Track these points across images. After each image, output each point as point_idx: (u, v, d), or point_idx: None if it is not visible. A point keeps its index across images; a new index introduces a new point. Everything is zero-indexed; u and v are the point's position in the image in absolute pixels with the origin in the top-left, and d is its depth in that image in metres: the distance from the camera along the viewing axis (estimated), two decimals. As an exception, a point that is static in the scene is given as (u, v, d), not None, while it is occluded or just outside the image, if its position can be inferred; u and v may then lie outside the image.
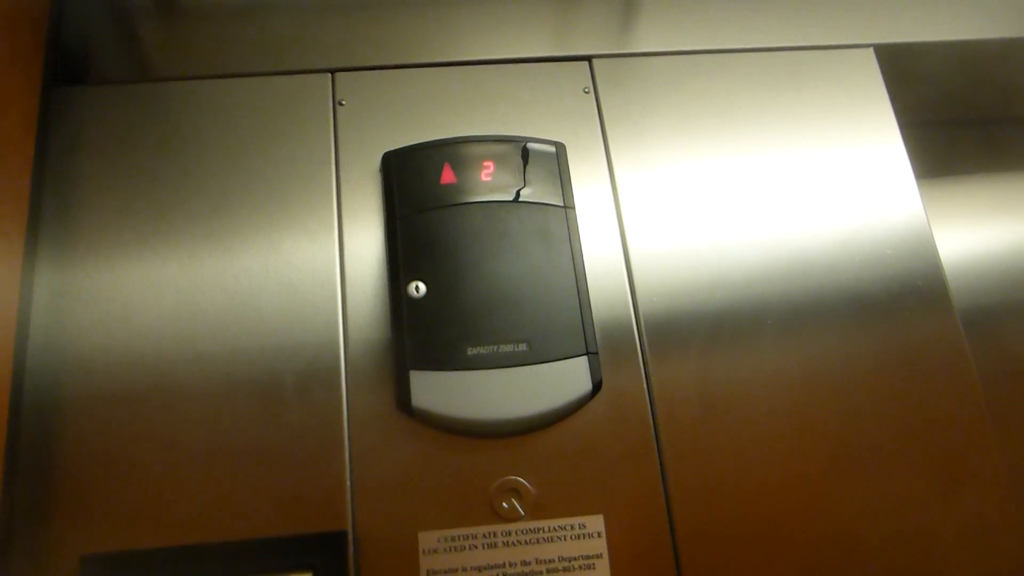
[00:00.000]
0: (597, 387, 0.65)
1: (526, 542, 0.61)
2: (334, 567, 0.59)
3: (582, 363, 0.65)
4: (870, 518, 0.65)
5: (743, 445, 0.66)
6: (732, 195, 0.75)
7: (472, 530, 0.61)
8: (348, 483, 0.62)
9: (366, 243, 0.70)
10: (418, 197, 0.69)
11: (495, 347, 0.64)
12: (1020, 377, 0.76)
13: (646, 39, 0.83)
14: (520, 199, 0.70)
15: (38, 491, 0.60)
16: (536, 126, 0.76)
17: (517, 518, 0.62)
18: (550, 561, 0.61)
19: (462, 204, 0.69)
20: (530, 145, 0.73)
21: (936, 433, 0.68)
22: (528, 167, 0.72)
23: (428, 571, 0.60)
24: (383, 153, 0.73)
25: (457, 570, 0.60)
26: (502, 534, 0.61)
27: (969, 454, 0.67)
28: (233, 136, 0.74)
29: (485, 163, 0.71)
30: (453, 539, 0.61)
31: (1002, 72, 0.92)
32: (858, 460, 0.66)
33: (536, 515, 0.62)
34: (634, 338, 0.68)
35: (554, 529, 0.62)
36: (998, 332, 0.78)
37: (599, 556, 0.61)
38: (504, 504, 0.62)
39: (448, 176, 0.70)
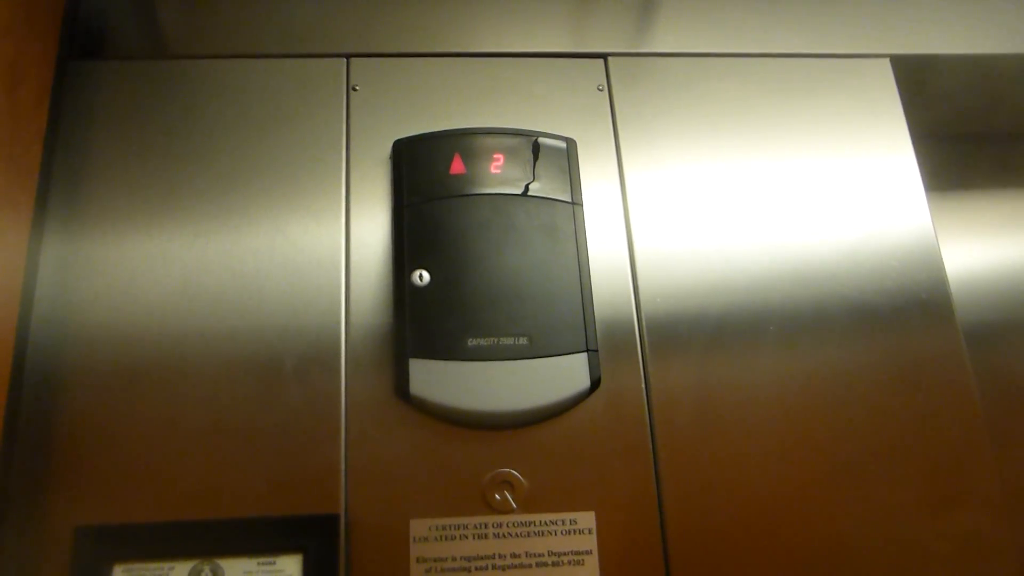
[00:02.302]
0: (596, 384, 0.65)
1: (517, 535, 0.61)
2: (325, 550, 0.59)
3: (582, 360, 0.65)
4: (863, 528, 0.65)
5: (738, 449, 0.66)
6: (740, 199, 0.75)
7: (463, 520, 0.62)
8: (343, 467, 0.62)
9: (372, 229, 0.70)
10: (427, 186, 0.69)
11: (496, 339, 0.64)
12: (1020, 395, 0.76)
13: (662, 39, 0.82)
14: (528, 193, 0.70)
15: (36, 462, 0.61)
16: (548, 121, 0.76)
17: (509, 511, 0.62)
18: (539, 555, 0.61)
19: (470, 195, 0.69)
20: (541, 140, 0.73)
21: (933, 447, 0.68)
22: (538, 161, 0.72)
23: (418, 558, 0.60)
24: (394, 140, 0.73)
25: (447, 559, 0.60)
26: (493, 526, 0.62)
27: (965, 469, 0.67)
28: (246, 117, 0.74)
29: (495, 155, 0.71)
30: (444, 528, 0.61)
31: (1021, 88, 0.91)
32: (853, 470, 0.66)
33: (528, 508, 0.62)
34: (635, 337, 0.68)
35: (545, 523, 0.62)
36: (1000, 349, 0.78)
37: (589, 552, 0.61)
38: (497, 496, 0.62)
39: (458, 166, 0.70)
